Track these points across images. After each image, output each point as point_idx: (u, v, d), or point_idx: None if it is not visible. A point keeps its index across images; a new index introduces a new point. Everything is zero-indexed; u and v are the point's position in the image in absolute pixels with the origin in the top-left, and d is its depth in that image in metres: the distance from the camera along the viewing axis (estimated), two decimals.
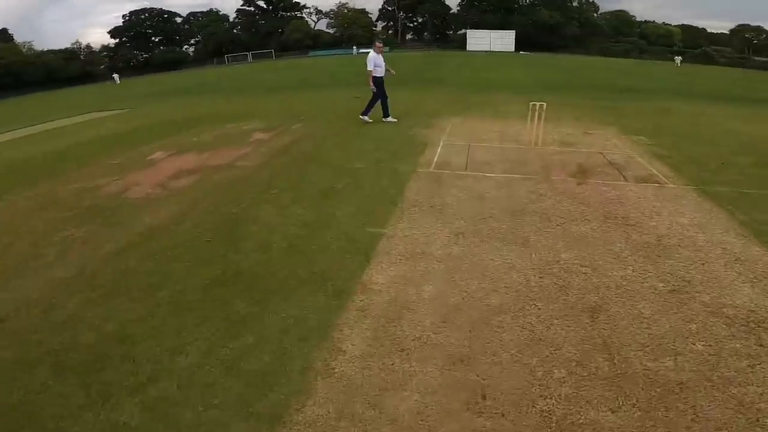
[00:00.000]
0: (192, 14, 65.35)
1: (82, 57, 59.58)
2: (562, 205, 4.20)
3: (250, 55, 57.48)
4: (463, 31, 60.43)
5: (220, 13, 64.95)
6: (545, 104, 5.86)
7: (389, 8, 66.82)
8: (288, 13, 66.29)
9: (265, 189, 4.91)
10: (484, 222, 3.84)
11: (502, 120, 8.09)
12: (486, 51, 51.33)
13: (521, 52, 49.72)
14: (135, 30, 61.23)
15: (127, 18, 61.63)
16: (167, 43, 63.26)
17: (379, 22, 67.44)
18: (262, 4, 65.64)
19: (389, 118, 8.00)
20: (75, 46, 61.17)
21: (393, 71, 8.16)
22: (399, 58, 37.62)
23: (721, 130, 7.68)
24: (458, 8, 63.36)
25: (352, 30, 60.61)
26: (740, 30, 63.24)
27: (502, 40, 53.73)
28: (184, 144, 7.53)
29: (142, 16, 62.11)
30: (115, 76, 41.07)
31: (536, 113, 5.91)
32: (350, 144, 6.62)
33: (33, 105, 24.10)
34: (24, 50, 48.17)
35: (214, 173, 5.68)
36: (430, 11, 63.44)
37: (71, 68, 51.58)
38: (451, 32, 65.15)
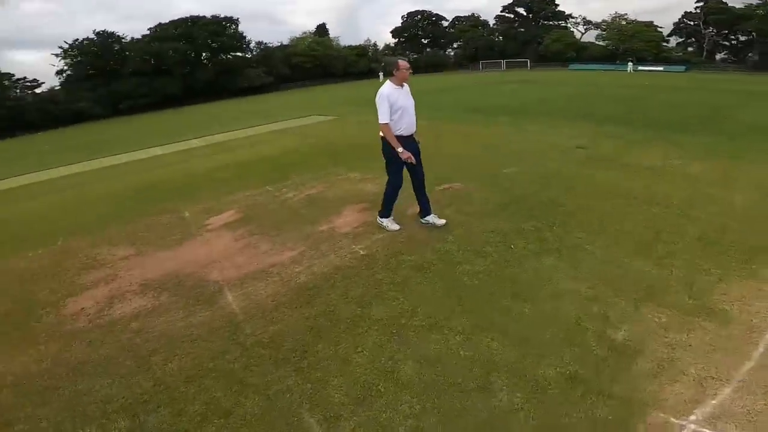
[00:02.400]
0: (456, 19, 68.80)
1: (369, 54, 71.89)
2: None
3: (503, 63, 56.37)
4: None
5: (480, 18, 66.55)
6: None
7: (690, 23, 52.38)
8: (549, 22, 61.46)
9: None
10: None
11: None
12: None
13: None
14: (410, 31, 68.39)
15: (405, 19, 68.98)
16: (433, 46, 68.68)
17: (674, 37, 54.07)
18: (522, 11, 63.05)
19: (430, 218, 4.44)
20: (366, 43, 74.42)
21: (419, 139, 4.27)
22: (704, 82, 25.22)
23: None
24: None
25: (630, 44, 50.87)
26: None
27: None
28: (259, 203, 5.67)
29: (416, 17, 68.34)
30: (381, 74, 48.26)
31: None
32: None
33: (301, 98, 28.96)
34: (334, 45, 59.34)
35: (170, 320, 3.08)
36: (759, 29, 45.89)
37: (360, 64, 59.30)
38: None
